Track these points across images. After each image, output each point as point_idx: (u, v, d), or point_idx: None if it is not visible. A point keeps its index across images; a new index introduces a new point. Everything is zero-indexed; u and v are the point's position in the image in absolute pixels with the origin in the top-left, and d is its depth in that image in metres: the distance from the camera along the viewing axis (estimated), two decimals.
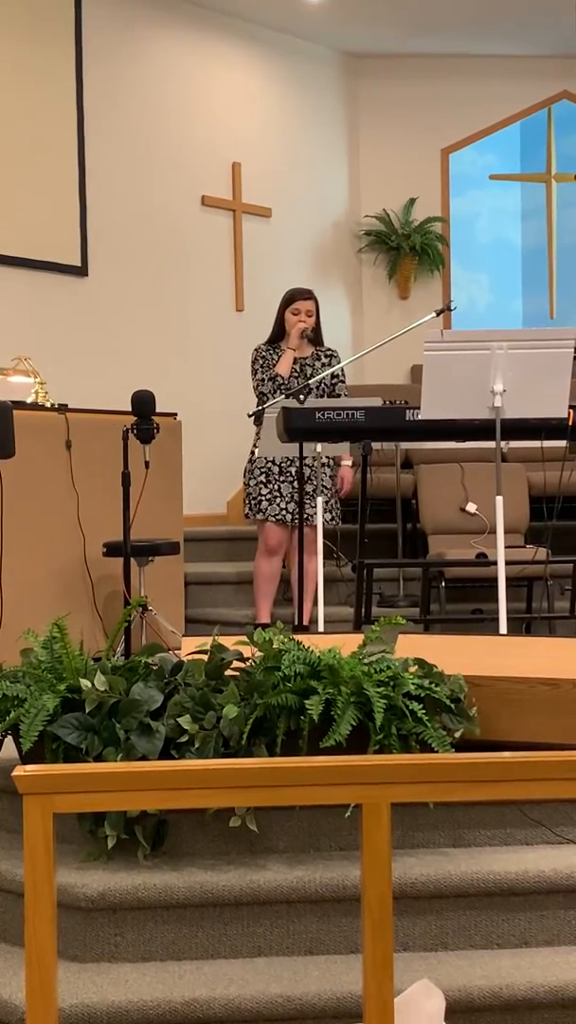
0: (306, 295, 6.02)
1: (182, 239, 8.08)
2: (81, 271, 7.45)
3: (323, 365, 6.02)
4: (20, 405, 5.32)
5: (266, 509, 5.93)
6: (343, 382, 6.06)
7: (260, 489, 5.95)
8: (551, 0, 8.12)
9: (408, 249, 9.17)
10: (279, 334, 6.06)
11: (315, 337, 6.05)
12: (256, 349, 6.06)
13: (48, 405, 5.63)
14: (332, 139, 9.14)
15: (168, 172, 8.01)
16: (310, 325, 5.95)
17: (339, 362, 6.06)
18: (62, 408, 5.64)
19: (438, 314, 5.67)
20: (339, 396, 6.01)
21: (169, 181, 8.01)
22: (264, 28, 8.54)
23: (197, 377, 7.91)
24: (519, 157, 10.06)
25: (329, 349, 6.10)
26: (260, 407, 5.82)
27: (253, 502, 5.98)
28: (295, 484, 5.91)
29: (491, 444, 4.44)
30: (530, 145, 9.99)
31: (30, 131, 7.18)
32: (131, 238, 7.76)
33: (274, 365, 5.95)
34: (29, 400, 5.61)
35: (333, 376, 6.00)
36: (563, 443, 5.07)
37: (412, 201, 9.27)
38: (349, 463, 6.10)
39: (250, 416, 5.96)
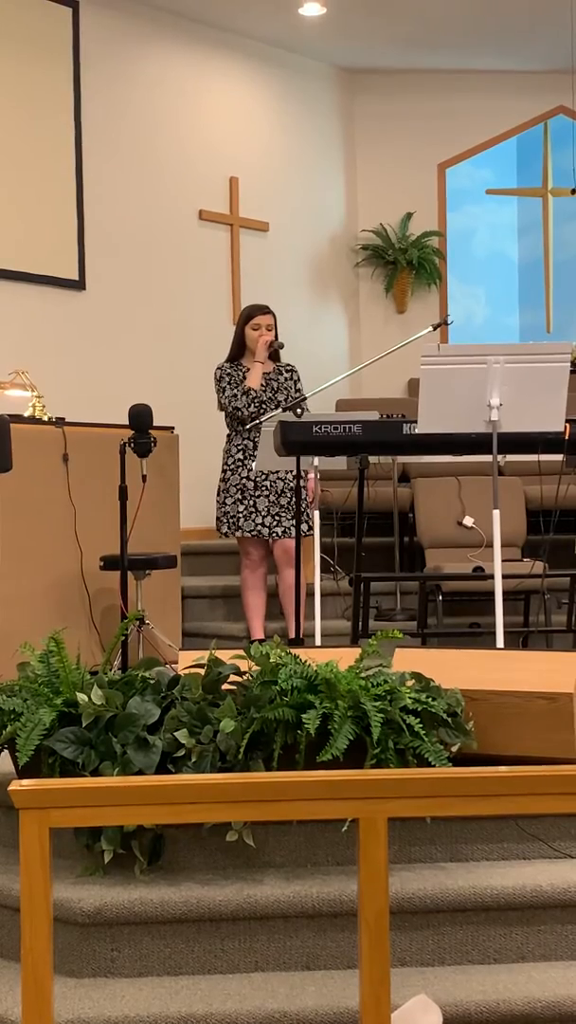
0: (264, 310, 6.13)
1: (180, 253, 8.10)
2: (79, 285, 7.47)
3: (286, 380, 6.09)
4: (17, 419, 5.33)
5: (243, 525, 5.99)
6: (305, 398, 6.13)
7: (236, 507, 6.01)
8: (547, 16, 8.16)
9: (405, 263, 9.19)
10: (239, 352, 6.13)
11: (273, 352, 6.12)
12: (219, 367, 6.11)
13: (45, 419, 5.64)
14: (329, 154, 9.17)
15: (165, 187, 8.03)
16: (272, 339, 6.03)
17: (298, 377, 6.17)
18: (59, 422, 5.65)
19: (435, 328, 5.68)
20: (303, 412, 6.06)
21: (166, 196, 8.03)
22: (261, 43, 8.58)
23: (194, 391, 7.90)
24: (515, 172, 10.10)
25: (288, 364, 6.19)
26: (257, 422, 5.84)
27: (231, 520, 6.02)
28: (270, 499, 5.98)
29: (488, 458, 4.44)
30: (526, 160, 10.03)
31: (28, 146, 7.20)
32: (129, 252, 7.78)
33: (242, 381, 6.00)
34: (26, 414, 5.62)
35: (298, 391, 6.08)
36: (560, 457, 5.07)
37: (409, 215, 9.30)
38: (314, 474, 6.13)
39: (247, 428, 5.97)
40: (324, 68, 9.08)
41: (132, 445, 4.91)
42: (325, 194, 9.13)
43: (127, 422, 4.98)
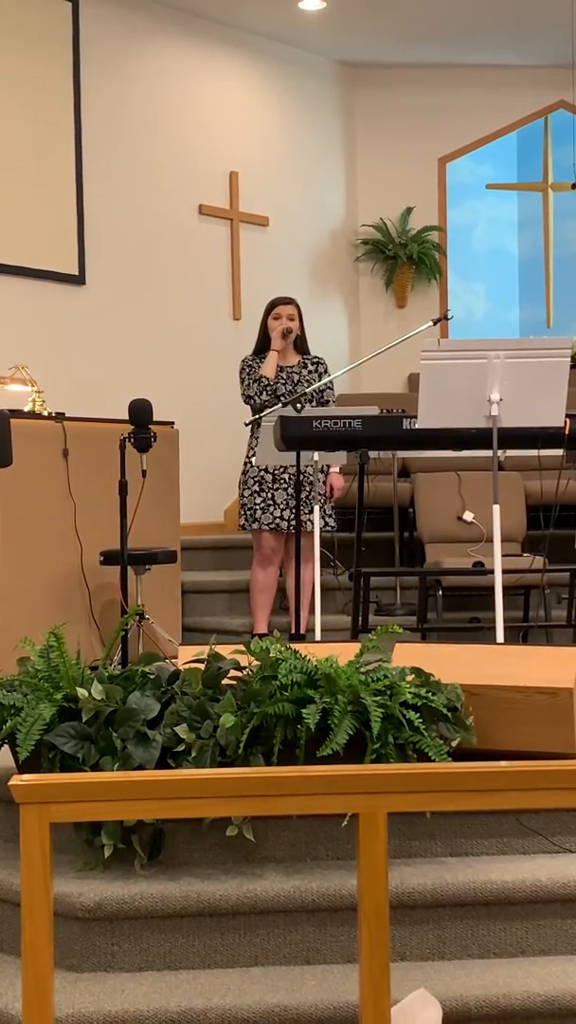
0: (286, 301, 6.06)
1: (179, 248, 8.09)
2: (79, 280, 7.46)
3: (310, 373, 6.02)
4: (17, 414, 5.33)
5: (260, 518, 5.91)
6: (331, 389, 6.07)
7: (254, 499, 5.93)
8: (547, 11, 8.15)
9: (405, 258, 9.18)
10: (264, 344, 6.06)
11: (301, 345, 6.06)
12: (243, 360, 6.06)
13: (45, 413, 5.64)
14: (329, 148, 9.16)
15: (165, 181, 8.02)
16: (292, 327, 5.97)
17: (327, 370, 6.07)
18: (59, 417, 5.65)
19: (435, 323, 5.67)
20: (327, 404, 6.02)
21: (166, 190, 8.02)
22: (261, 38, 8.56)
23: (194, 386, 7.91)
24: (516, 167, 10.10)
25: (316, 357, 6.09)
26: (256, 416, 5.82)
27: (248, 512, 5.96)
28: (289, 491, 5.91)
29: (488, 453, 4.44)
30: (527, 155, 10.03)
31: (28, 141, 7.19)
32: (128, 247, 7.77)
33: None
34: (26, 408, 5.62)
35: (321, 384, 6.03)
36: (560, 452, 5.07)
37: (409, 210, 9.29)
38: (337, 469, 6.10)
39: (247, 425, 5.96)
40: (324, 62, 9.07)
41: (132, 440, 4.90)
42: (325, 189, 9.12)
43: (127, 417, 4.98)
